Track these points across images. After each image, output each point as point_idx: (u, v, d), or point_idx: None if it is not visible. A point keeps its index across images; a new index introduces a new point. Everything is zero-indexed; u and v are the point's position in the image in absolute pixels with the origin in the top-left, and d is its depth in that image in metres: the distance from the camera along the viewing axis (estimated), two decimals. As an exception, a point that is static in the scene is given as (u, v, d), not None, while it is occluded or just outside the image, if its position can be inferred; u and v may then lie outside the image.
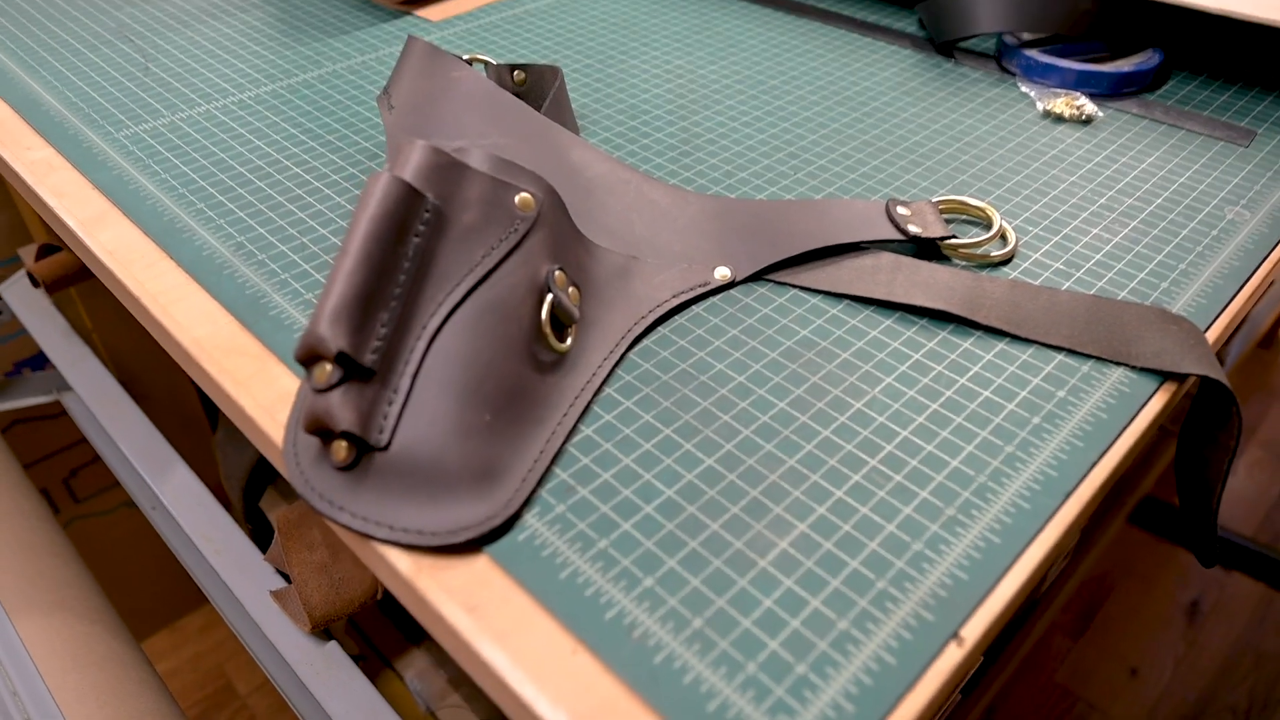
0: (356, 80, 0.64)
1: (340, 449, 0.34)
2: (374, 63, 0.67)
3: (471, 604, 0.31)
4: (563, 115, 0.54)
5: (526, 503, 0.35)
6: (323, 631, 0.59)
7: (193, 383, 1.07)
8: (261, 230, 0.49)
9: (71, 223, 0.49)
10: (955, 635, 0.30)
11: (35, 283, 0.79)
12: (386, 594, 0.62)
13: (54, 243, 0.82)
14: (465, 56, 0.57)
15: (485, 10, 0.76)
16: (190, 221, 0.49)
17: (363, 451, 0.34)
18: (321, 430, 0.34)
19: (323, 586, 0.60)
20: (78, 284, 0.85)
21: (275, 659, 0.57)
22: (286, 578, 0.63)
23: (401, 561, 0.33)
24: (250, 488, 0.75)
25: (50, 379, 0.93)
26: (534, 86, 0.56)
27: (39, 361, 1.01)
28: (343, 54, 0.68)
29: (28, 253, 0.85)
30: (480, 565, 0.33)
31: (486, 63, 0.55)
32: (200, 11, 0.74)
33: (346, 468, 0.34)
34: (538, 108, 0.56)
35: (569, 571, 0.32)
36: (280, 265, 0.46)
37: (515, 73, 0.55)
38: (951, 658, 0.29)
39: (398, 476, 0.34)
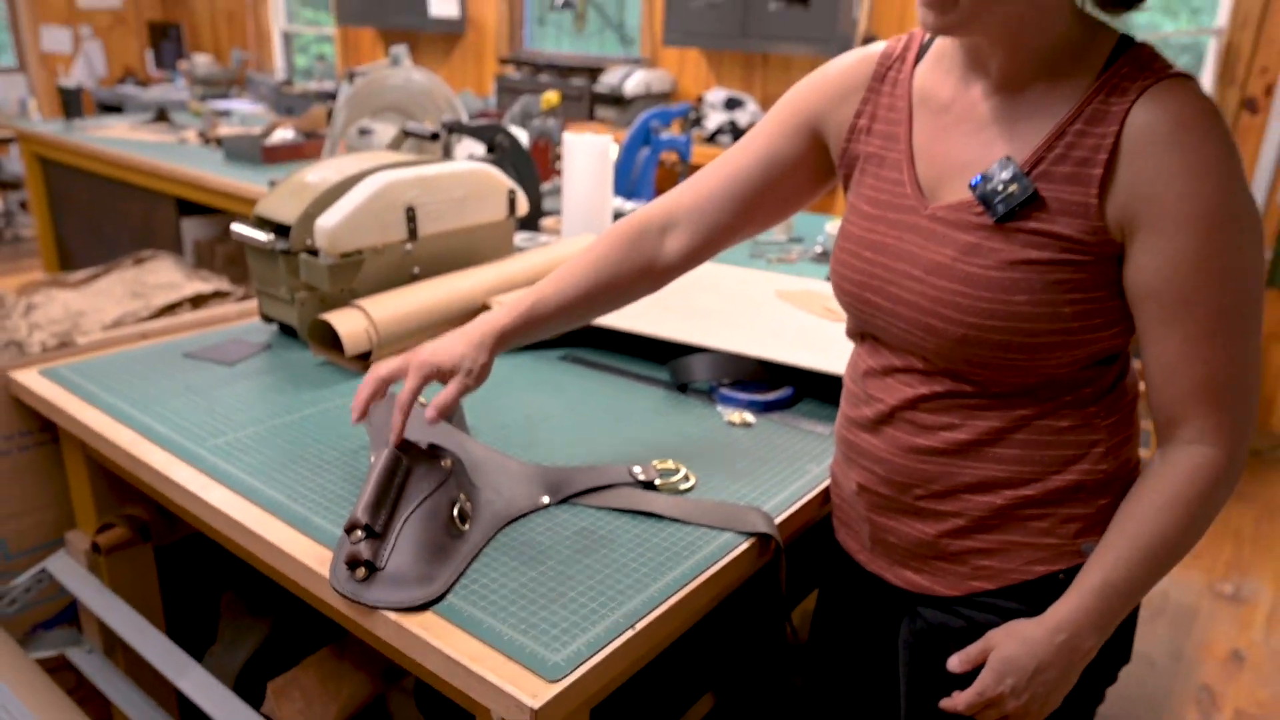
0: (339, 412, 1.10)
1: (361, 572, 0.76)
2: (341, 407, 1.13)
3: (427, 627, 0.72)
4: (463, 424, 1.02)
5: (447, 590, 0.76)
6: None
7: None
8: (296, 487, 0.92)
9: (193, 488, 0.91)
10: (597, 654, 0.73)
11: (98, 550, 1.16)
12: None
13: (111, 521, 1.20)
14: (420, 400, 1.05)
15: (412, 371, 1.25)
16: (259, 485, 0.92)
17: (372, 572, 0.76)
18: (353, 562, 0.76)
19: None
20: (124, 550, 1.20)
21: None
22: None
23: (392, 617, 0.74)
24: (242, 675, 1.09)
25: (63, 636, 1.24)
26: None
27: (48, 624, 1.31)
28: (328, 397, 1.15)
29: (75, 536, 1.22)
30: (429, 616, 0.74)
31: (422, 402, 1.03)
32: (236, 375, 1.21)
33: (363, 580, 0.76)
34: (451, 421, 1.03)
35: (469, 612, 0.74)
36: (310, 505, 0.89)
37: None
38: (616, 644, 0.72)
39: (389, 581, 0.76)
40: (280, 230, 1.27)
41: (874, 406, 0.88)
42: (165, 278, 2.65)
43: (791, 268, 1.89)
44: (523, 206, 1.49)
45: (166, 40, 7.01)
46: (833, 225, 2.05)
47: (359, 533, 0.77)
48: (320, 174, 1.30)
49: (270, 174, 2.72)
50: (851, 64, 0.89)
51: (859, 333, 0.92)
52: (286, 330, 1.35)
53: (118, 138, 3.25)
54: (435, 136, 1.80)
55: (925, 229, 0.80)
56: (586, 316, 0.97)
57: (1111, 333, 0.78)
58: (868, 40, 3.89)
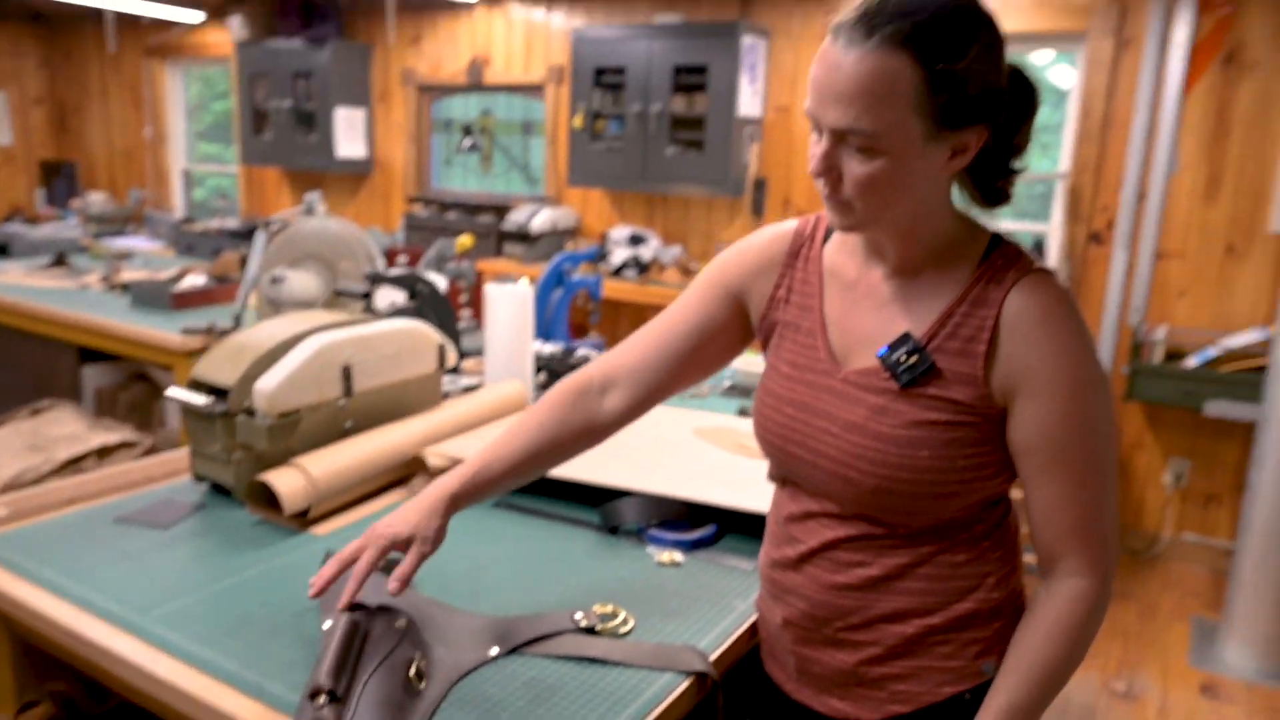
0: (282, 571, 1.12)
1: (325, 736, 0.79)
2: (295, 561, 1.16)
3: (391, 787, 0.75)
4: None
5: (410, 751, 0.80)
6: None
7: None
8: (247, 654, 0.94)
9: (140, 661, 0.92)
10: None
11: (20, 728, 1.12)
12: None
13: (34, 699, 1.16)
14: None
15: (358, 523, 1.28)
16: (209, 654, 0.93)
17: (335, 736, 0.79)
18: (317, 727, 0.79)
19: None
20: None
21: None
22: None
23: (357, 778, 0.76)
24: None
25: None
26: (391, 568, 1.07)
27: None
28: (269, 557, 1.17)
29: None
30: (392, 776, 0.77)
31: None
32: (172, 539, 1.21)
33: (327, 745, 0.79)
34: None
35: (431, 771, 0.77)
36: (263, 672, 0.91)
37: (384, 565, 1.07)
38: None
39: (352, 744, 0.79)
40: (217, 392, 1.31)
41: (795, 547, 0.98)
42: (66, 429, 2.58)
43: (704, 402, 2.01)
44: (451, 359, 1.57)
45: (59, 178, 6.92)
46: (741, 362, 2.19)
47: (322, 698, 0.80)
48: (257, 336, 1.35)
49: (181, 320, 2.73)
50: (768, 241, 1.03)
51: (780, 477, 1.02)
52: (219, 489, 1.37)
53: (13, 284, 3.19)
54: (366, 296, 1.88)
55: (839, 390, 0.93)
56: (532, 475, 1.05)
57: (998, 480, 0.90)
58: (758, 182, 4.22)
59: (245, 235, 5.36)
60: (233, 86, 6.08)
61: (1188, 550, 3.39)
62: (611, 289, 4.06)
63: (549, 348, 2.15)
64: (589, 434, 1.06)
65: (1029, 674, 0.87)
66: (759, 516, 1.33)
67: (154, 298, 2.86)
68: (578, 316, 4.55)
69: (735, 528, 1.33)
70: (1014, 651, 0.89)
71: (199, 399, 1.28)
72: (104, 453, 2.41)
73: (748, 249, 1.04)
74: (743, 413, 1.89)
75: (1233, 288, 3.32)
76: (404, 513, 0.97)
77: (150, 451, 2.49)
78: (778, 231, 1.03)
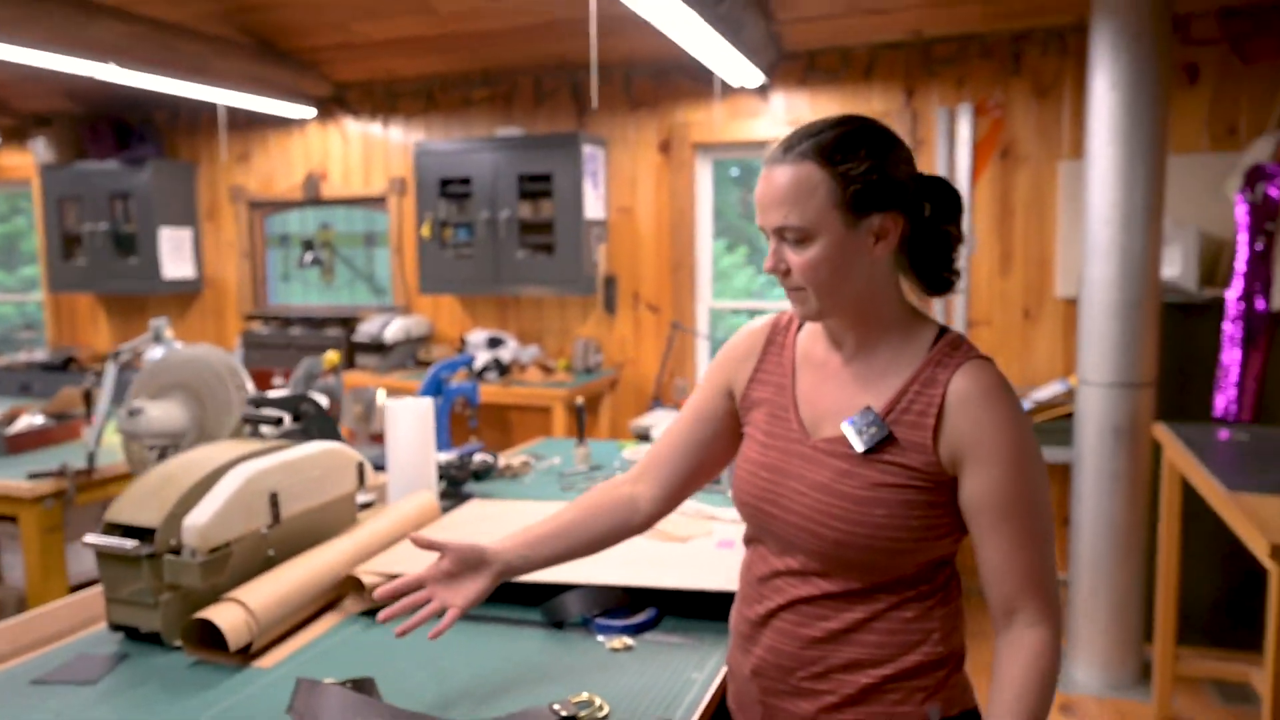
0: (241, 708, 1.10)
1: None
2: (251, 695, 1.13)
3: None
4: (378, 697, 1.07)
5: None
6: None
7: None
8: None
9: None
10: None
11: None
12: None
13: None
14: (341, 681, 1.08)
15: (302, 650, 1.26)
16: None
17: None
18: None
19: None
20: None
21: None
22: None
23: None
24: None
25: None
26: (362, 687, 1.08)
27: None
28: (220, 697, 1.13)
29: None
30: None
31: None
32: (105, 694, 1.15)
33: None
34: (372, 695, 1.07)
35: None
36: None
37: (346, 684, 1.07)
38: None
39: None
40: (137, 534, 1.27)
41: (764, 604, 1.09)
42: (-111, 597, 2.31)
43: (601, 495, 2.08)
44: (371, 477, 1.58)
45: None
46: (629, 452, 2.29)
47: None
48: (179, 470, 1.32)
49: (20, 464, 2.52)
50: (748, 335, 1.19)
51: (753, 537, 1.14)
52: (135, 636, 1.30)
53: None
54: (279, 422, 1.85)
55: (809, 456, 1.06)
56: (563, 562, 1.20)
57: (947, 540, 1.04)
58: (608, 279, 4.41)
59: (60, 368, 4.99)
60: (36, 211, 5.71)
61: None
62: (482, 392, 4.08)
63: (444, 456, 2.17)
64: (625, 531, 1.20)
65: None
66: (695, 595, 1.42)
67: (-15, 443, 2.63)
68: (456, 423, 4.53)
69: (672, 610, 1.41)
70: (999, 703, 0.99)
71: (125, 543, 1.24)
72: (-56, 619, 2.16)
73: (732, 346, 1.20)
74: (643, 500, 1.98)
75: (1032, 347, 3.78)
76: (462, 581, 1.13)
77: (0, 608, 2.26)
78: (755, 326, 1.20)
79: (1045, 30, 3.64)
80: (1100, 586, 2.99)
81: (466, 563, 1.13)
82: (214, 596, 1.28)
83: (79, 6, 3.26)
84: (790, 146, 1.01)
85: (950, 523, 1.04)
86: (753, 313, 4.42)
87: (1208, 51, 3.46)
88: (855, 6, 3.52)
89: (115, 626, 1.30)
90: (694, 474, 1.21)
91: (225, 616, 1.21)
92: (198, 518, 1.25)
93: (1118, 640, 3.00)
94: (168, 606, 1.26)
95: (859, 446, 1.02)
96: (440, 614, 1.11)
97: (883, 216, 1.01)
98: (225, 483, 1.30)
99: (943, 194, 1.06)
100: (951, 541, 1.06)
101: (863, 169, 0.99)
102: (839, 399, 1.07)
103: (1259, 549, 1.77)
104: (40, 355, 5.28)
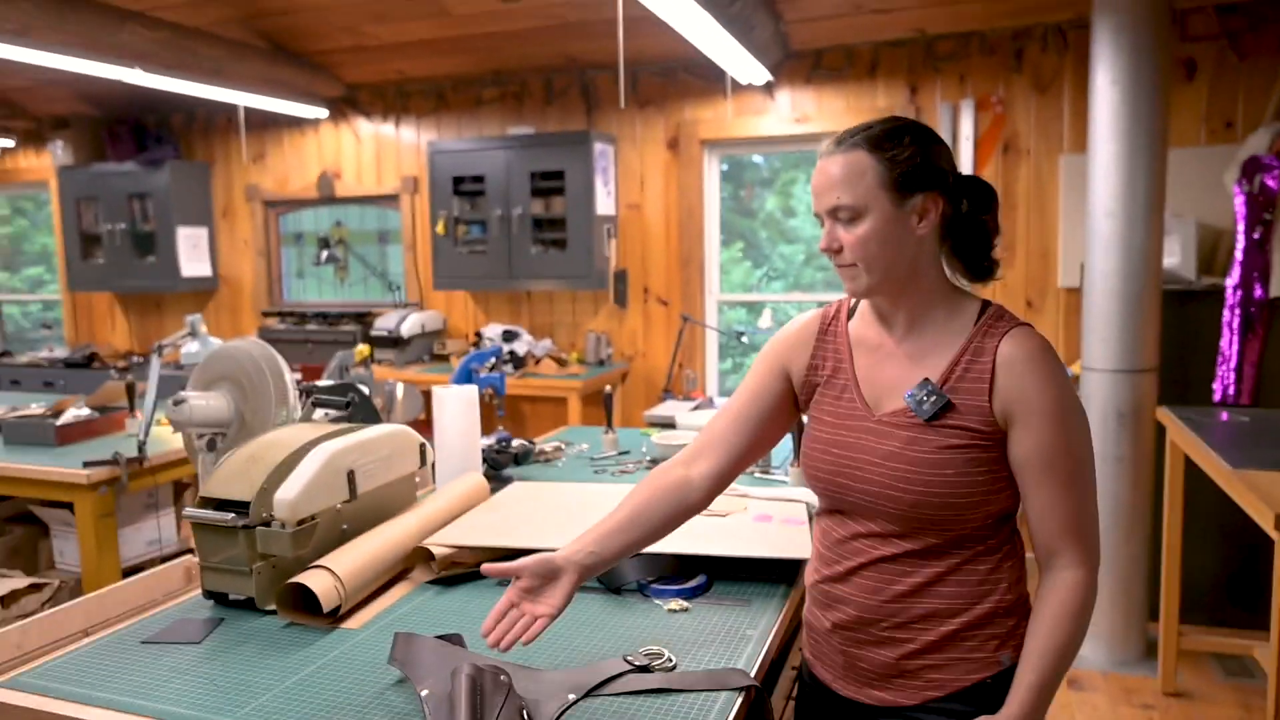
0: (338, 664, 1.20)
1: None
2: (345, 654, 1.23)
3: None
4: (469, 652, 1.17)
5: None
6: None
7: None
8: (357, 733, 1.02)
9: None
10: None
11: None
12: None
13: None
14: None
15: (384, 614, 1.37)
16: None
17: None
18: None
19: None
20: None
21: None
22: None
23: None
24: None
25: None
26: (452, 641, 1.18)
27: None
28: (319, 655, 1.24)
29: None
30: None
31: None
32: (211, 652, 1.25)
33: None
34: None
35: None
36: (380, 742, 1.00)
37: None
38: None
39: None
40: (230, 507, 1.37)
41: (845, 564, 1.20)
42: (-49, 582, 2.41)
43: (633, 476, 2.19)
44: (431, 456, 1.69)
45: None
46: (658, 436, 2.40)
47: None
48: (263, 450, 1.43)
49: (70, 454, 2.62)
50: (801, 325, 1.30)
51: (829, 509, 1.25)
52: (224, 602, 1.41)
53: None
54: (348, 405, 1.95)
55: (876, 429, 1.17)
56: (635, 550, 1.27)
57: (1007, 494, 1.15)
58: (619, 274, 4.52)
59: (84, 365, 5.09)
60: (54, 212, 5.79)
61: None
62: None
63: (484, 441, 2.27)
64: (683, 513, 1.28)
65: (1047, 656, 1.10)
66: (741, 562, 1.52)
67: (34, 435, 2.73)
68: (485, 411, 4.64)
69: (720, 576, 1.51)
70: (1031, 638, 1.12)
71: (222, 515, 1.34)
72: (8, 599, 2.27)
73: (786, 332, 1.31)
74: (677, 481, 2.08)
75: (1035, 336, 3.89)
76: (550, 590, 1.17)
77: (59, 590, 2.36)
78: (806, 317, 1.31)
79: (1045, 27, 3.76)
80: (1106, 566, 3.11)
81: (542, 576, 1.17)
82: (299, 566, 1.39)
83: (109, 13, 3.35)
84: (842, 140, 1.14)
85: (1009, 477, 1.15)
86: (755, 305, 4.53)
87: (1205, 47, 3.57)
88: (860, 6, 3.62)
89: (209, 594, 1.41)
90: (748, 451, 1.30)
91: (317, 582, 1.31)
92: (287, 492, 1.35)
93: (1123, 618, 3.12)
94: (260, 574, 1.36)
95: (923, 415, 1.13)
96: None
97: (924, 196, 1.13)
98: (309, 460, 1.41)
99: (978, 189, 1.18)
100: (1011, 495, 1.16)
101: (907, 154, 1.11)
102: (897, 375, 1.18)
103: (1264, 520, 1.88)
104: (60, 352, 5.37)
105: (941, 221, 1.16)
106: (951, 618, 1.16)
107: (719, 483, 1.30)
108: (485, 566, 1.19)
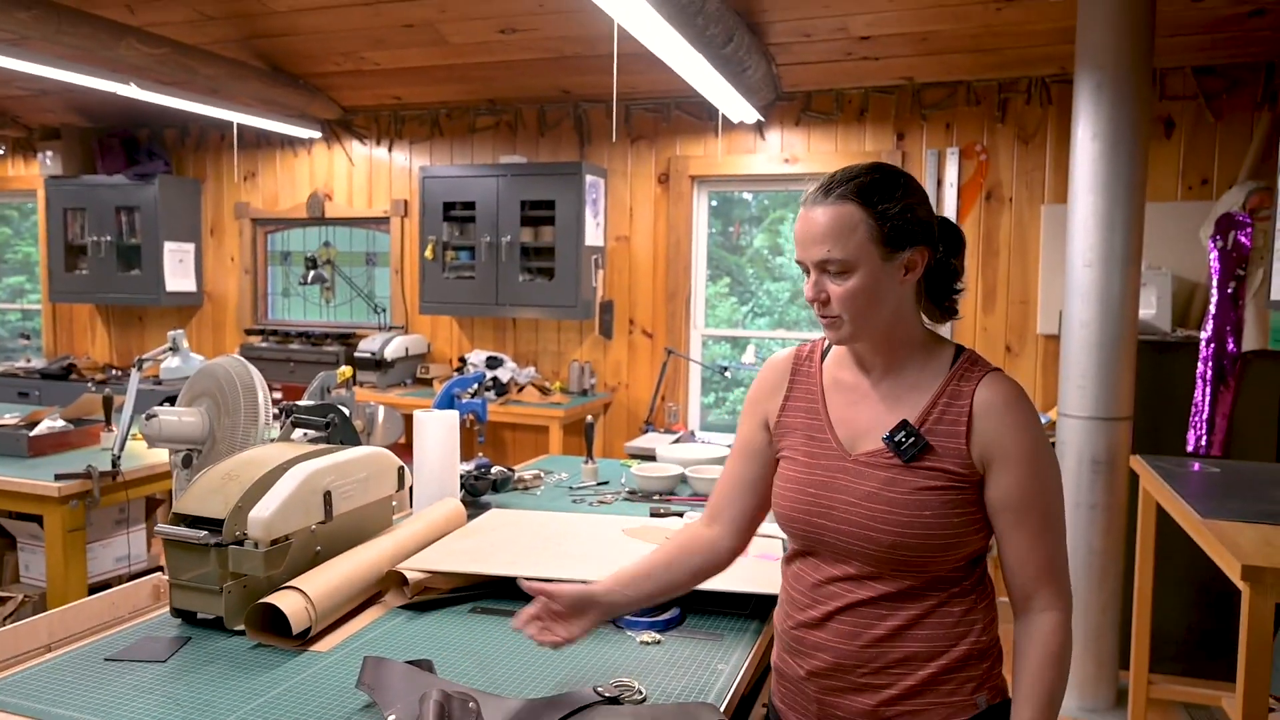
0: (308, 685, 1.19)
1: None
2: (314, 675, 1.22)
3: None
4: (439, 678, 1.17)
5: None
6: None
7: None
8: (321, 757, 1.01)
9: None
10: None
11: None
12: None
13: None
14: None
15: (355, 637, 1.36)
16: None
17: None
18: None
19: None
20: None
21: None
22: None
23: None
24: None
25: None
26: (422, 667, 1.18)
27: None
28: (288, 676, 1.23)
29: None
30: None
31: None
32: (176, 671, 1.24)
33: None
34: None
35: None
36: (344, 767, 0.99)
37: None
38: None
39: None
40: (203, 525, 1.36)
41: (820, 609, 1.20)
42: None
43: (611, 507, 2.19)
44: (409, 479, 1.69)
45: None
46: (639, 468, 2.40)
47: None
48: (240, 468, 1.42)
49: (41, 466, 2.59)
50: (774, 367, 1.32)
51: (802, 551, 1.25)
52: (192, 621, 1.39)
53: None
54: (328, 426, 1.95)
55: (852, 470, 1.18)
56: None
57: (981, 535, 1.16)
58: (605, 304, 4.54)
59: (61, 376, 5.04)
60: (40, 221, 5.77)
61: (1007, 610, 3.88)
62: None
63: (463, 467, 2.27)
64: (713, 569, 1.32)
65: (1039, 701, 1.11)
66: (715, 597, 1.53)
67: (6, 445, 2.70)
68: (466, 437, 4.62)
69: (693, 610, 1.51)
70: (1020, 686, 1.13)
71: (195, 532, 1.33)
72: (-29, 614, 2.22)
73: (761, 380, 1.33)
74: (654, 514, 2.09)
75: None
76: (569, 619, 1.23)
77: (23, 605, 2.32)
78: (779, 358, 1.33)
79: (1030, 80, 3.85)
80: (1078, 614, 3.12)
81: (575, 607, 1.23)
82: (270, 587, 1.38)
83: (108, 27, 3.37)
84: (830, 189, 1.14)
85: (983, 518, 1.16)
86: (739, 340, 4.56)
87: (1183, 106, 3.67)
88: (851, 53, 3.70)
89: (176, 612, 1.39)
90: (757, 508, 1.33)
91: (288, 603, 1.31)
92: (262, 510, 1.35)
93: (1095, 665, 3.13)
94: (230, 593, 1.35)
95: (904, 457, 1.15)
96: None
97: (913, 251, 1.15)
98: (286, 480, 1.40)
99: (951, 233, 1.20)
100: (984, 536, 1.18)
101: (897, 209, 1.12)
102: (873, 417, 1.20)
103: (1231, 570, 1.91)
104: (38, 363, 5.32)
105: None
106: (929, 661, 1.16)
107: (739, 542, 1.33)
108: (527, 584, 1.23)
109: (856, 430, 1.21)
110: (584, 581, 1.49)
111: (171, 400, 2.52)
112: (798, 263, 1.17)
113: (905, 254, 1.14)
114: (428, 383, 4.74)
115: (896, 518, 1.14)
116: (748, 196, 4.64)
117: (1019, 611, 1.17)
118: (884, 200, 1.12)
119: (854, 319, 1.15)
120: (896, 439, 1.16)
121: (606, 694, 1.17)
